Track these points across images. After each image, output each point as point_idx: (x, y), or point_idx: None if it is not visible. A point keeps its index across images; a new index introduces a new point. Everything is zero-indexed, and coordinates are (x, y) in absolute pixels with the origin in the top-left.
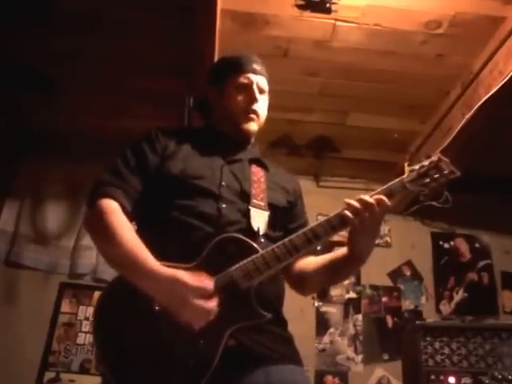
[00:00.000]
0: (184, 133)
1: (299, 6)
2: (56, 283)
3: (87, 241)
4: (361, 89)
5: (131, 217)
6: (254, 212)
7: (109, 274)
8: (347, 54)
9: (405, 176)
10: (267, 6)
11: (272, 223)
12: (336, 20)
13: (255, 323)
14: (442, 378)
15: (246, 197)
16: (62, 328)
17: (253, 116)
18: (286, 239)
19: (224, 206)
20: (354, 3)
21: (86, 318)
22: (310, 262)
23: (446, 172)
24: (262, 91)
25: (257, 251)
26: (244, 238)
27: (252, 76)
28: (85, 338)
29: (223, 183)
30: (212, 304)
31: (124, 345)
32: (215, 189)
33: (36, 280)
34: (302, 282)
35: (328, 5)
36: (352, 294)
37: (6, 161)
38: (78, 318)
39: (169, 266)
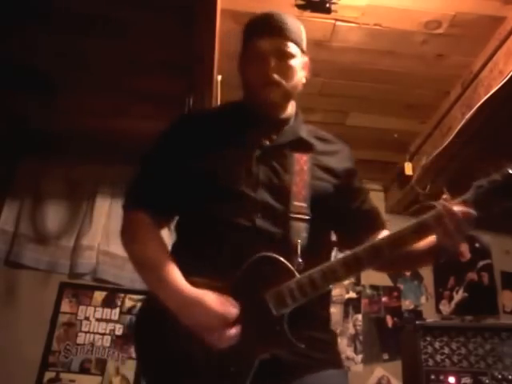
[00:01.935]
0: (216, 117)
1: (299, 6)
2: (56, 283)
3: (87, 241)
4: (361, 89)
5: (163, 224)
6: (293, 221)
7: (109, 273)
8: (347, 53)
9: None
10: (267, 6)
11: (318, 221)
12: (336, 20)
13: (286, 352)
14: (441, 377)
15: (285, 197)
16: (62, 328)
17: (271, 85)
18: (326, 264)
19: (260, 213)
20: (354, 3)
21: (86, 318)
22: None
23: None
24: (285, 55)
25: (294, 274)
26: (280, 258)
27: (270, 39)
28: (85, 337)
29: (261, 183)
30: (232, 332)
31: (163, 360)
32: (251, 192)
33: (36, 280)
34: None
35: (328, 5)
36: (352, 294)
37: (5, 161)
38: (78, 317)
39: (201, 284)
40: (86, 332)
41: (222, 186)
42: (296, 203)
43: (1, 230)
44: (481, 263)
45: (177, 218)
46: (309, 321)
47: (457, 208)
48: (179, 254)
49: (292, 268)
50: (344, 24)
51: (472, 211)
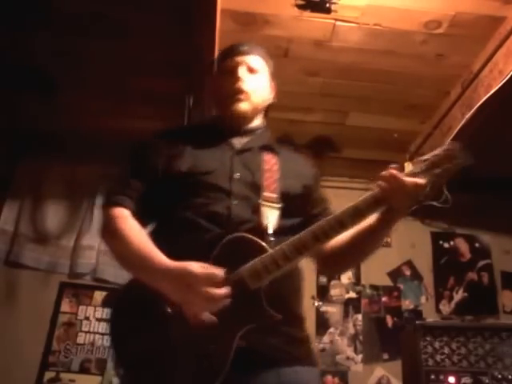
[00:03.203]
0: (190, 130)
1: (299, 6)
2: (56, 283)
3: (87, 240)
4: (361, 89)
5: (144, 221)
6: (264, 208)
7: (109, 273)
8: (347, 53)
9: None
10: (267, 6)
11: (286, 213)
12: (336, 20)
13: (265, 324)
14: (441, 377)
15: (257, 189)
16: (62, 328)
17: (239, 96)
18: (295, 237)
19: (235, 202)
20: (353, 3)
21: (86, 318)
22: (339, 239)
23: (457, 160)
24: (252, 70)
25: (266, 250)
26: (253, 237)
27: (237, 57)
28: (85, 337)
29: (235, 176)
30: (222, 291)
31: (138, 346)
32: (226, 183)
33: (36, 280)
34: (335, 261)
35: (328, 5)
36: (352, 294)
37: (6, 161)
38: (78, 317)
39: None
40: (86, 332)
41: (199, 181)
42: (266, 194)
43: (1, 230)
44: (481, 263)
45: (154, 220)
46: (284, 318)
47: (406, 177)
48: (159, 243)
49: (264, 245)
50: (344, 24)
51: (419, 180)
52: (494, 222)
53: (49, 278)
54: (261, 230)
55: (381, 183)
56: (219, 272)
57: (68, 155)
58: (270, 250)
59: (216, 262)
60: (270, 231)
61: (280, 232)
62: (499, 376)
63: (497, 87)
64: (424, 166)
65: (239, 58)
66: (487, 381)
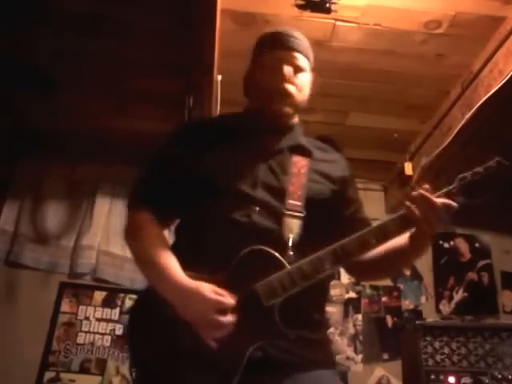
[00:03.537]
0: (218, 125)
1: (299, 6)
2: (56, 283)
3: (87, 240)
4: (361, 89)
5: (166, 222)
6: (287, 218)
7: (109, 273)
8: (347, 53)
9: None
10: (267, 6)
11: (310, 223)
12: (336, 20)
13: (276, 342)
14: (441, 377)
15: (281, 195)
16: (62, 328)
17: (284, 98)
18: (315, 255)
19: (257, 210)
20: (353, 3)
21: (86, 318)
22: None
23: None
24: (298, 69)
25: (284, 266)
26: (271, 251)
27: (284, 52)
28: (85, 337)
29: (259, 182)
30: (228, 319)
31: (152, 348)
32: (250, 189)
33: (36, 280)
34: (365, 269)
35: (328, 5)
36: (352, 294)
37: (6, 161)
38: (78, 317)
39: (196, 278)
40: (86, 332)
41: (222, 186)
42: (291, 201)
43: (1, 229)
44: (481, 263)
45: (178, 219)
46: (301, 321)
47: (437, 199)
48: (178, 251)
49: (283, 260)
50: (344, 24)
51: (451, 202)
52: (494, 222)
53: (49, 278)
54: (281, 243)
55: (410, 205)
56: (229, 299)
57: (68, 155)
58: (288, 267)
59: (233, 274)
60: (291, 244)
61: (301, 245)
62: (499, 376)
63: (497, 87)
64: (462, 184)
65: (286, 53)
66: (487, 381)
